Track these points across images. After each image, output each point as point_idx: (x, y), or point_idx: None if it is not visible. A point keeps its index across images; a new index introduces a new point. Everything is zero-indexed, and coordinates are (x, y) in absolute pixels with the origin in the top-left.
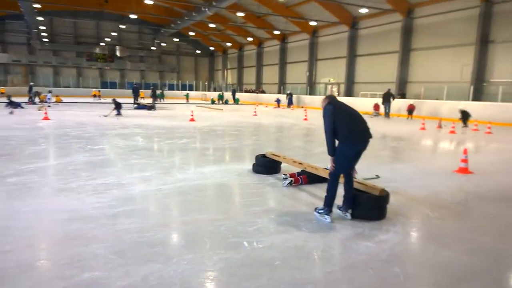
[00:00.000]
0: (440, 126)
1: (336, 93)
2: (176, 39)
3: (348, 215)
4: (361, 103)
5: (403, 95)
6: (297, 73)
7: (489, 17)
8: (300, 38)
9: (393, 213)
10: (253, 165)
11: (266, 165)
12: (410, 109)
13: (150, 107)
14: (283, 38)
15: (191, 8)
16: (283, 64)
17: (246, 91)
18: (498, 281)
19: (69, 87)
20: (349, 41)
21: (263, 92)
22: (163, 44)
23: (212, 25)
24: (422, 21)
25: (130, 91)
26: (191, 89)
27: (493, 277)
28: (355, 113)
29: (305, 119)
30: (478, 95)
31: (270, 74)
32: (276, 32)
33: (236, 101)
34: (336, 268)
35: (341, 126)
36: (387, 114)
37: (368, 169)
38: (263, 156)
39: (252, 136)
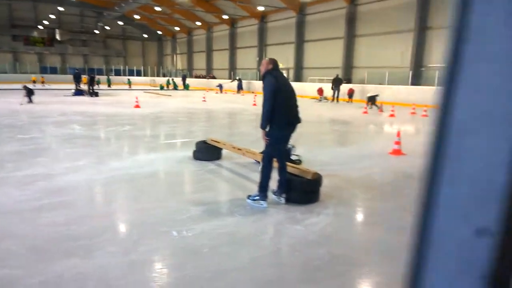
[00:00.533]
0: (381, 110)
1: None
2: (121, 23)
3: (283, 200)
4: (310, 88)
5: (348, 80)
6: (247, 58)
7: (427, 3)
8: (249, 23)
9: (327, 196)
10: (194, 151)
11: (207, 152)
12: (350, 93)
13: (92, 94)
14: (232, 23)
15: None
16: (233, 49)
17: (196, 77)
18: None
19: (5, 72)
20: (297, 27)
21: (213, 77)
22: (107, 28)
23: (158, 9)
24: (365, 8)
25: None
26: (139, 74)
27: None
28: (292, 95)
29: (254, 104)
30: (417, 80)
31: (220, 59)
32: (225, 17)
33: (186, 87)
34: (265, 253)
35: (278, 108)
36: (336, 99)
37: (310, 153)
38: (204, 142)
39: (198, 122)
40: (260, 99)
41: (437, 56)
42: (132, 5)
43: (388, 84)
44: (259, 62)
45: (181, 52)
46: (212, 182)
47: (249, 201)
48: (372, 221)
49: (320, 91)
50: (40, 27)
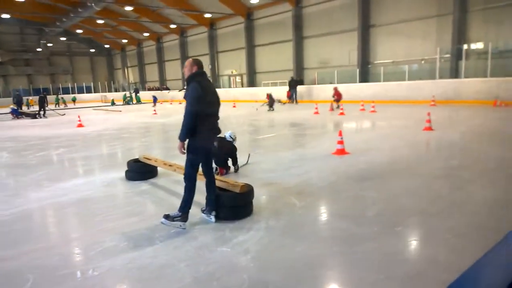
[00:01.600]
0: (332, 109)
1: (239, 84)
2: (64, 38)
3: (212, 218)
4: (263, 93)
5: (301, 82)
6: None
7: (367, 2)
8: (198, 31)
9: (261, 208)
10: (126, 171)
11: (140, 170)
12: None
13: (35, 115)
14: (181, 32)
15: (76, 4)
16: (184, 59)
17: (149, 89)
18: (348, 269)
19: None
20: (246, 32)
21: (167, 89)
22: (50, 45)
23: (102, 21)
24: (310, 10)
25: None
26: (88, 91)
27: (344, 264)
28: (216, 104)
29: None
30: (365, 77)
31: (173, 70)
32: (173, 26)
33: (138, 100)
34: (178, 287)
35: (201, 118)
36: (294, 100)
37: (253, 159)
38: (136, 160)
39: (141, 138)
40: None
41: (381, 53)
42: (75, 19)
43: (338, 82)
44: (212, 70)
45: (132, 65)
46: (139, 205)
47: (164, 221)
48: (301, 234)
49: (268, 96)
50: None
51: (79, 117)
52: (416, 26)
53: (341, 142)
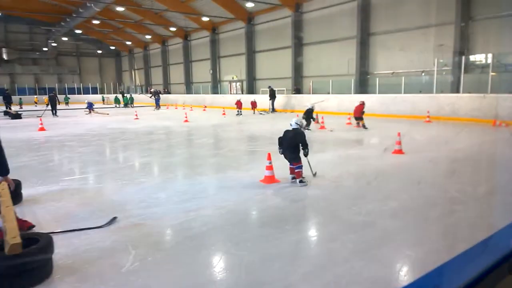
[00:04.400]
0: (317, 122)
1: (240, 91)
2: (66, 39)
3: None
4: (260, 100)
5: (298, 91)
6: (202, 71)
7: (368, 9)
8: (201, 35)
9: (75, 269)
10: None
11: None
12: (253, 105)
13: (16, 116)
14: (185, 36)
15: (79, 4)
16: (188, 63)
17: (150, 92)
18: None
19: None
20: (246, 37)
21: (168, 92)
22: (55, 45)
23: (105, 22)
24: (310, 16)
25: (21, 97)
26: (94, 92)
27: None
28: None
29: (186, 121)
30: (363, 88)
31: (177, 74)
32: (174, 29)
33: (127, 102)
34: None
35: None
36: (273, 110)
37: (184, 181)
38: None
39: (80, 148)
40: (195, 114)
41: (381, 63)
42: (77, 20)
43: (333, 93)
44: (213, 75)
45: (139, 67)
46: None
47: None
48: None
49: (239, 104)
50: None
51: (40, 119)
52: (416, 35)
53: (270, 168)
